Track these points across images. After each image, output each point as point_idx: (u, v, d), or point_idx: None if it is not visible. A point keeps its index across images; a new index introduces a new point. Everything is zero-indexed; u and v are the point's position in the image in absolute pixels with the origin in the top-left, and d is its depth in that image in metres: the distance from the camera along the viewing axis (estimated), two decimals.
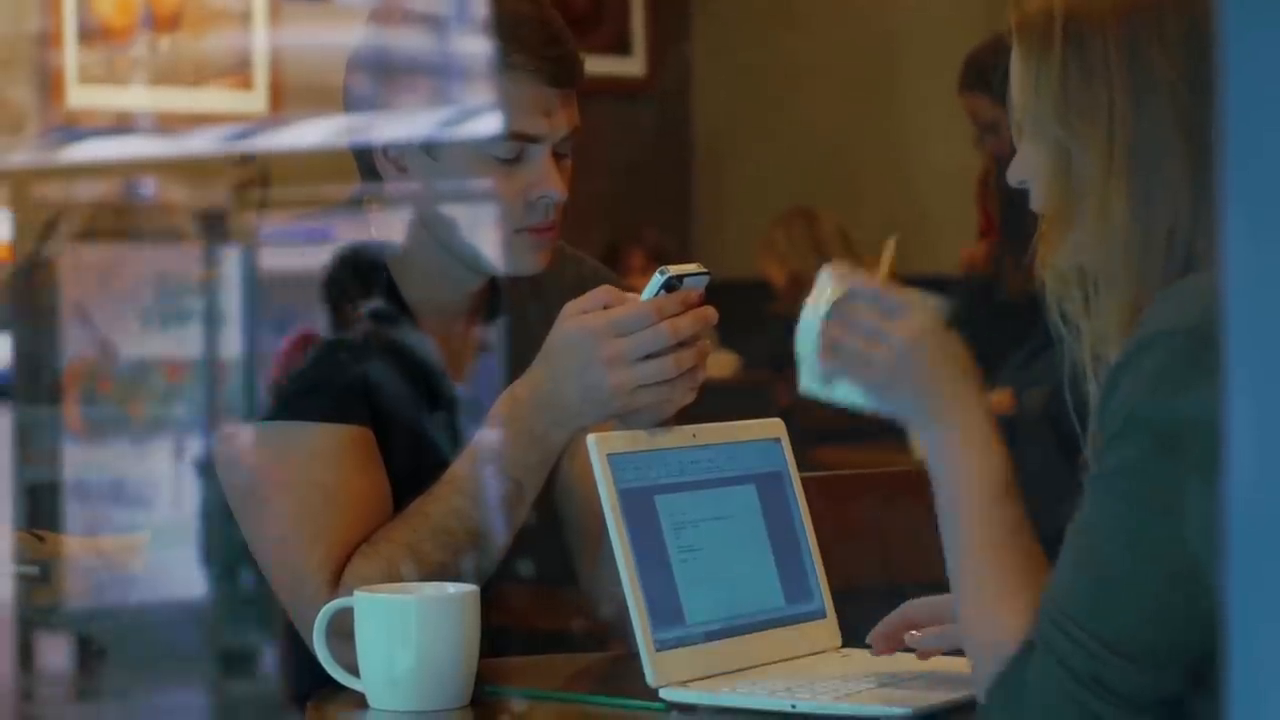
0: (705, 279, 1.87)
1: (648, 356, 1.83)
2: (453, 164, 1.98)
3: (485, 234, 1.99)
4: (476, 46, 1.99)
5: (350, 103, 2.04)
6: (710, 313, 1.87)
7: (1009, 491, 1.57)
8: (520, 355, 1.95)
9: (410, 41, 2.04)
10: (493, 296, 2.09)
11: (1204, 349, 1.39)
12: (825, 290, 1.64)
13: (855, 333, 1.60)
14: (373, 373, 1.98)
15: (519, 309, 2.08)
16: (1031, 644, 1.49)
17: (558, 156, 1.99)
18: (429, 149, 1.98)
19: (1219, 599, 1.42)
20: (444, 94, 2.01)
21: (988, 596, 1.54)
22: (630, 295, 1.87)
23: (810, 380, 1.65)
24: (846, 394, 1.64)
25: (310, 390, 1.94)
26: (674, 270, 1.86)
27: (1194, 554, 1.42)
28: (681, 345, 1.84)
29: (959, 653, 1.67)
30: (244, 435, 1.97)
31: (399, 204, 2.02)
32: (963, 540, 1.56)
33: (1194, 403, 1.39)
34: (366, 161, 2.02)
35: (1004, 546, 1.55)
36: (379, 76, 2.02)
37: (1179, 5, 1.50)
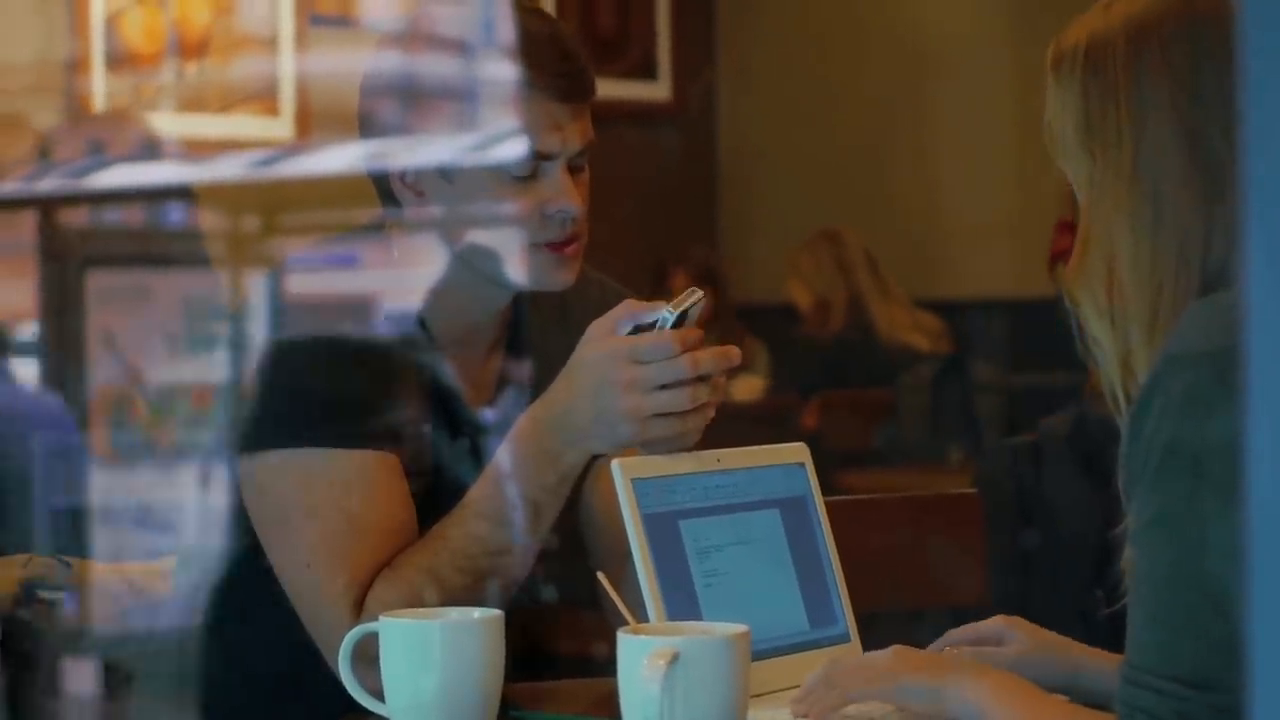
0: (701, 300, 1.87)
1: (664, 386, 1.83)
2: (469, 185, 1.99)
3: (508, 252, 1.99)
4: (496, 70, 1.99)
5: (364, 128, 2.04)
6: (734, 352, 1.87)
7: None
8: (543, 381, 1.95)
9: (427, 66, 2.04)
10: (515, 322, 2.09)
11: (1229, 371, 1.39)
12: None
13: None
14: (395, 397, 1.98)
15: (542, 334, 2.08)
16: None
17: (573, 171, 1.99)
18: (444, 172, 1.99)
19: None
20: (464, 118, 2.01)
21: None
22: (654, 304, 1.87)
23: None
24: None
25: (333, 416, 1.94)
26: (678, 307, 1.85)
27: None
28: (699, 380, 1.84)
29: None
30: (270, 461, 1.98)
31: (419, 228, 2.02)
32: None
33: (1224, 428, 1.40)
34: (385, 187, 2.03)
35: None
36: (394, 101, 2.02)
37: (1186, 28, 1.53)
